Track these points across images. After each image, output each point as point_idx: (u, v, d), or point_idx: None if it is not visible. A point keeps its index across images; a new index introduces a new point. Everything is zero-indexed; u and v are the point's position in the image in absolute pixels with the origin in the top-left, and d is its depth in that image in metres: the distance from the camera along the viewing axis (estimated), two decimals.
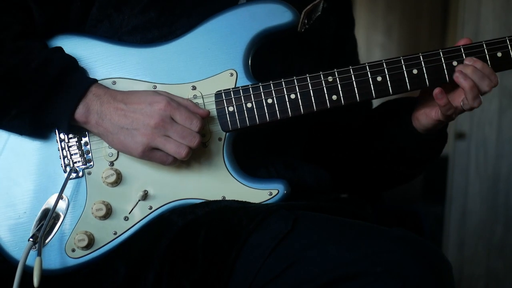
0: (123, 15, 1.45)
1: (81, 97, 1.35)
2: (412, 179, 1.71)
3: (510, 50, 1.44)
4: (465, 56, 1.43)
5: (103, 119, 1.35)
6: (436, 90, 1.40)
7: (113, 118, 1.35)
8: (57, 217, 1.40)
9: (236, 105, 1.42)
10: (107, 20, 1.45)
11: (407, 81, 1.42)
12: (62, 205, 1.40)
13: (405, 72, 1.42)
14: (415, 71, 1.43)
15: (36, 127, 1.38)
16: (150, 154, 1.36)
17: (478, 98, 1.41)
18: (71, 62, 1.39)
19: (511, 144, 3.88)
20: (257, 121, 1.42)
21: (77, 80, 1.36)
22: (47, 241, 1.39)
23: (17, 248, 1.38)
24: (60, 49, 1.41)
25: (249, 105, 1.42)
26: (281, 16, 1.44)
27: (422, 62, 1.43)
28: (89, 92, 1.36)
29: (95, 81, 1.39)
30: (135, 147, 1.34)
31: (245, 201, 1.41)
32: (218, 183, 1.41)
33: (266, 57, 1.48)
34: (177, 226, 1.36)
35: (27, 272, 1.30)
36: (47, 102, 1.34)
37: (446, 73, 1.43)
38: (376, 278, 1.22)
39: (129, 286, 1.34)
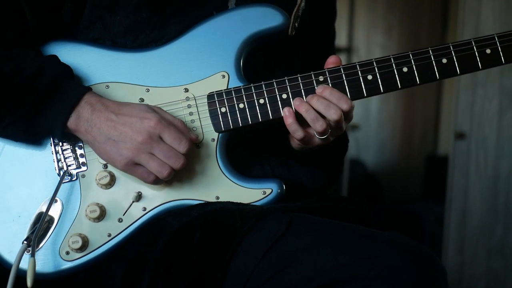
0: (115, 16, 1.45)
1: (74, 105, 1.35)
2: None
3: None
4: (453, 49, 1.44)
5: (92, 127, 1.35)
6: (284, 109, 1.41)
7: (102, 127, 1.35)
8: (51, 220, 1.40)
9: (228, 105, 1.42)
10: (100, 22, 1.46)
11: (397, 79, 1.44)
12: (56, 208, 1.40)
13: (395, 70, 1.43)
14: (405, 69, 1.44)
15: (30, 134, 1.38)
16: (132, 168, 1.36)
17: (319, 121, 1.39)
18: (65, 71, 1.39)
19: (511, 144, 3.87)
20: (250, 121, 1.42)
21: (70, 89, 1.36)
22: (41, 244, 1.39)
23: (11, 252, 1.38)
24: (55, 58, 1.41)
25: (241, 105, 1.42)
26: (272, 19, 1.45)
27: (412, 60, 1.44)
28: (82, 100, 1.36)
29: (88, 89, 1.39)
30: (119, 159, 1.35)
31: (240, 202, 1.41)
32: (212, 183, 1.42)
33: (258, 59, 1.49)
34: (173, 228, 1.36)
35: (21, 276, 1.30)
36: (40, 111, 1.34)
37: (436, 70, 1.44)
38: (369, 282, 1.22)
39: None
